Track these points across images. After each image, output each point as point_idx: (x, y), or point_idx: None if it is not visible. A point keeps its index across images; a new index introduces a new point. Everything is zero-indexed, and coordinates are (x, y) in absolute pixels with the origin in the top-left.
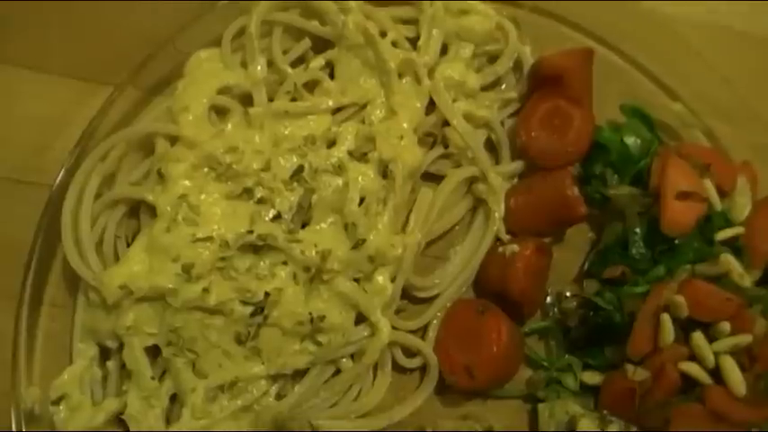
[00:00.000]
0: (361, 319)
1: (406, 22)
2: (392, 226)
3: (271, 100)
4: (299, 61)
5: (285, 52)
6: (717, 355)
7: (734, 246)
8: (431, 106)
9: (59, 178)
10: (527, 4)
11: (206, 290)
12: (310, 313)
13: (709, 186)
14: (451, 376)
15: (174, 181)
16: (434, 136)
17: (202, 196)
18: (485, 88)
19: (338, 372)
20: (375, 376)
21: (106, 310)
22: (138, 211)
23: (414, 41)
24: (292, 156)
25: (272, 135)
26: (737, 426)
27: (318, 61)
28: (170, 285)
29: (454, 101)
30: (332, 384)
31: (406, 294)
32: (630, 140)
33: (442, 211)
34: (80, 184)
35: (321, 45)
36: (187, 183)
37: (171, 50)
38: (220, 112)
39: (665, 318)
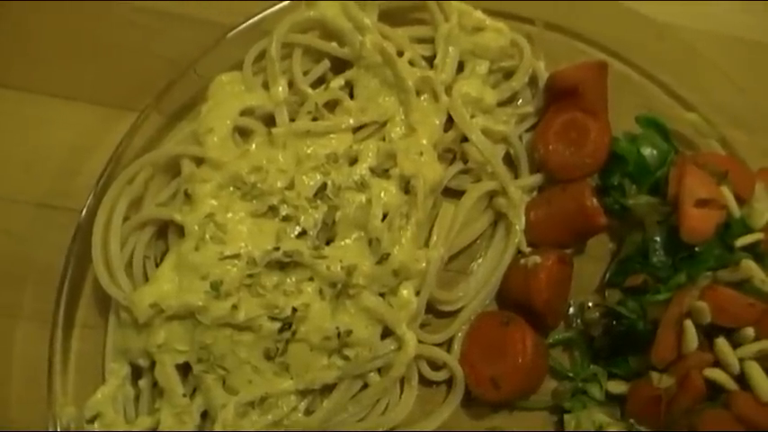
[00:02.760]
0: (387, 333)
1: (422, 41)
2: (415, 241)
3: (292, 120)
4: (320, 82)
5: (305, 73)
6: (741, 360)
7: (755, 252)
8: (449, 123)
9: (88, 203)
10: (540, 20)
11: (235, 306)
12: (337, 328)
13: (727, 193)
14: (477, 388)
15: (201, 201)
16: (454, 152)
17: (229, 215)
18: (501, 104)
19: (366, 386)
20: (402, 390)
21: (137, 329)
22: (166, 231)
23: (430, 60)
24: (315, 174)
25: (294, 154)
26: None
27: (338, 81)
28: (200, 303)
29: (472, 117)
30: (360, 399)
31: (431, 308)
32: (647, 151)
33: (464, 225)
34: (108, 208)
35: (340, 65)
36: (213, 202)
37: (192, 76)
38: (244, 133)
39: (689, 324)
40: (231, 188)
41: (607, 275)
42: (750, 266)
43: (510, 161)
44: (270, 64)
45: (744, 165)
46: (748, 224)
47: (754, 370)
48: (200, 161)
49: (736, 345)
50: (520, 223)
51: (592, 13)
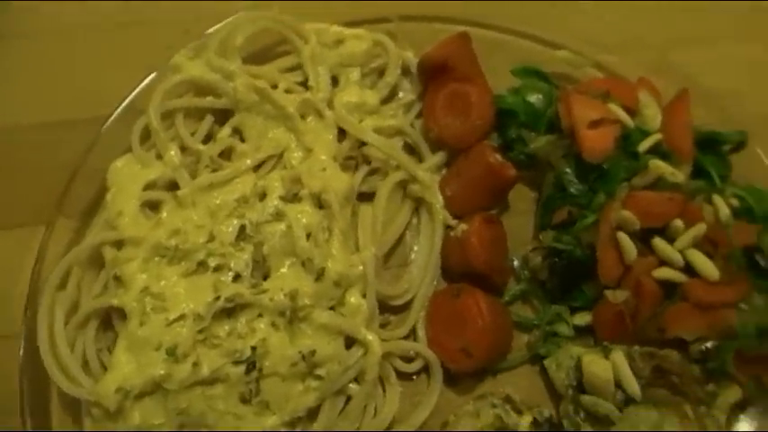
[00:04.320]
0: (350, 342)
1: (291, 69)
2: (345, 249)
3: (195, 178)
4: (209, 137)
5: (193, 133)
6: (682, 252)
7: (658, 152)
8: (342, 134)
9: (26, 323)
10: (395, 15)
11: (196, 364)
12: (300, 352)
13: (615, 109)
14: (453, 363)
15: (132, 279)
16: (355, 158)
17: (162, 283)
18: (385, 101)
19: (349, 398)
20: (384, 390)
21: (112, 418)
22: (110, 320)
23: (305, 84)
24: (231, 219)
25: (206, 208)
26: (725, 307)
27: (226, 131)
28: (161, 372)
29: (361, 121)
30: (347, 412)
31: (386, 307)
32: (533, 97)
33: (388, 221)
34: (47, 319)
35: (224, 115)
36: (144, 276)
37: (88, 172)
38: (153, 205)
39: (622, 236)
40: (156, 258)
41: (536, 221)
42: (658, 165)
43: (411, 150)
44: (156, 136)
45: (623, 80)
46: (645, 129)
47: (696, 256)
48: (120, 244)
49: (671, 240)
50: (438, 201)
51: None
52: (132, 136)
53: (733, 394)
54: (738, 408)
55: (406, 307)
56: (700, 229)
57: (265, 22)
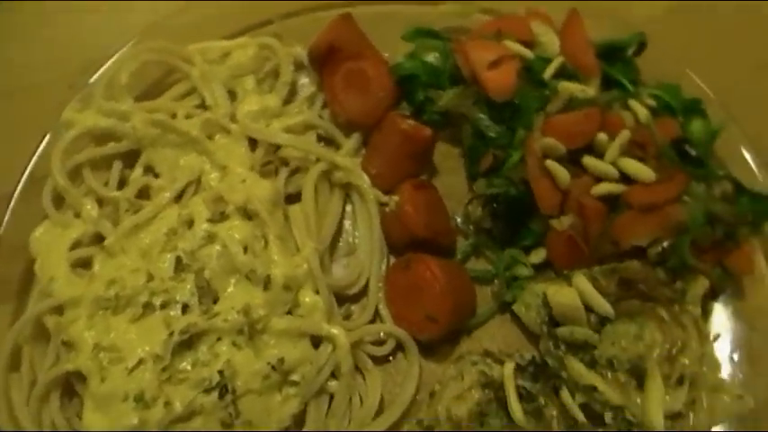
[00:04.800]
0: (317, 341)
1: (186, 95)
2: (286, 252)
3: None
4: (123, 182)
5: (106, 183)
6: (614, 164)
7: (565, 75)
8: (254, 143)
9: None
10: (277, 15)
11: (167, 403)
12: (269, 363)
13: (510, 45)
14: (423, 333)
15: (80, 340)
16: (273, 162)
17: (112, 335)
18: (287, 100)
19: (332, 396)
20: (364, 378)
21: None
22: (72, 387)
23: (204, 105)
24: (165, 255)
25: (137, 250)
26: (669, 204)
27: (137, 171)
28: (135, 421)
29: (269, 125)
30: (334, 410)
31: (345, 298)
32: (429, 57)
33: (321, 214)
34: (5, 406)
35: (131, 156)
36: (92, 333)
37: (8, 251)
38: (85, 263)
39: (551, 164)
40: (100, 312)
41: (467, 174)
42: (566, 87)
43: (327, 140)
44: (68, 196)
45: (513, 16)
46: (545, 57)
47: (628, 163)
48: (60, 309)
49: (600, 155)
50: (365, 182)
51: None
52: (44, 202)
53: (700, 286)
54: (709, 297)
55: (363, 293)
56: (624, 136)
57: (147, 55)
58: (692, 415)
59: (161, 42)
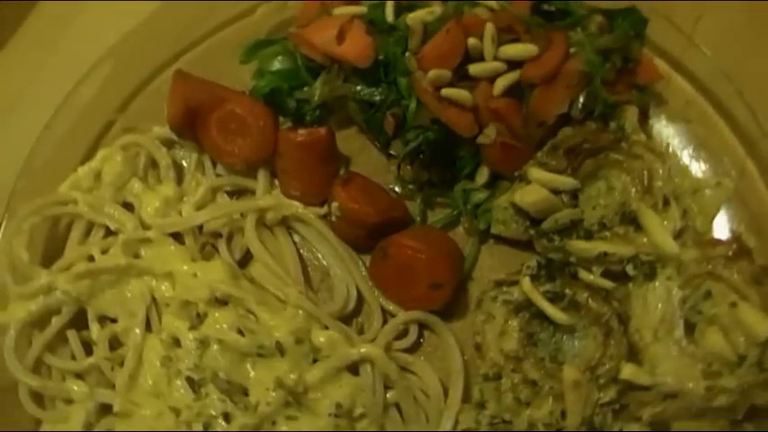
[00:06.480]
0: (354, 368)
1: (87, 233)
2: (275, 311)
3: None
4: (87, 345)
5: (73, 357)
6: (497, 58)
7: (407, 9)
8: (179, 235)
9: None
10: (115, 115)
11: None
12: (330, 414)
13: (341, 10)
14: (435, 303)
15: None
16: (207, 242)
17: None
18: (179, 180)
19: (398, 405)
20: (414, 372)
21: None
22: None
23: (111, 232)
24: (175, 383)
25: (148, 396)
26: (564, 63)
27: (94, 328)
28: None
29: (180, 212)
30: (407, 415)
31: (347, 318)
32: (276, 65)
33: (279, 259)
34: None
35: (80, 318)
36: None
37: None
38: None
39: (446, 91)
40: None
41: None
42: (413, 18)
43: (240, 192)
44: (46, 390)
45: None
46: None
47: (508, 50)
48: None
49: (482, 58)
50: (297, 207)
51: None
52: (28, 409)
53: (631, 114)
54: (643, 119)
55: (361, 303)
56: (489, 29)
57: (30, 220)
58: (691, 224)
59: (34, 202)
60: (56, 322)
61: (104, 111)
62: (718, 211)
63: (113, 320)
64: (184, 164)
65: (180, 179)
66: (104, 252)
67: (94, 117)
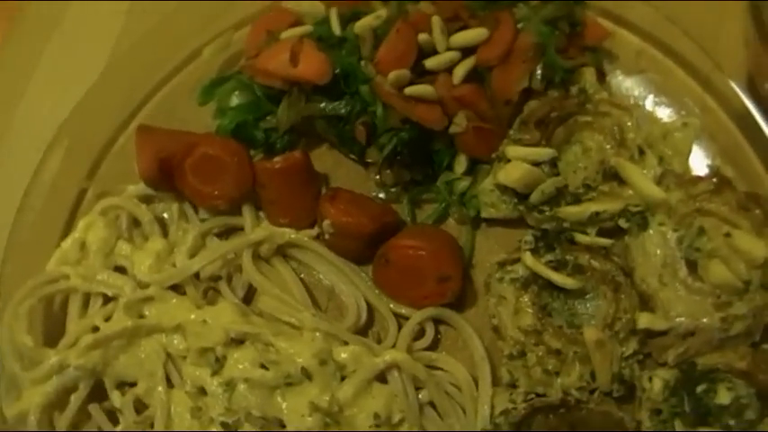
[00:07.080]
0: (381, 377)
1: (85, 305)
2: (293, 338)
3: None
4: (112, 414)
5: (99, 428)
6: (450, 48)
7: (352, 18)
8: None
9: None
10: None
11: None
12: (370, 426)
13: (287, 34)
14: (445, 296)
15: None
16: (208, 287)
17: None
18: (165, 233)
19: (432, 402)
20: (441, 368)
21: None
22: None
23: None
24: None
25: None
26: (517, 40)
27: (115, 396)
28: None
29: (174, 264)
30: (443, 411)
31: (362, 331)
32: (234, 100)
33: (283, 288)
34: None
35: (99, 390)
36: None
37: None
38: None
39: (409, 90)
40: None
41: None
42: (360, 25)
43: (229, 231)
44: None
45: (266, 16)
46: (320, 19)
47: (458, 39)
48: None
49: (435, 51)
50: (289, 234)
51: None
52: None
53: (588, 74)
54: (601, 75)
55: (372, 313)
56: (436, 22)
57: (27, 303)
58: (669, 167)
59: (25, 285)
60: (75, 399)
61: (73, 181)
62: (690, 149)
63: (133, 384)
64: (166, 216)
65: (165, 232)
66: (107, 319)
67: (65, 190)
